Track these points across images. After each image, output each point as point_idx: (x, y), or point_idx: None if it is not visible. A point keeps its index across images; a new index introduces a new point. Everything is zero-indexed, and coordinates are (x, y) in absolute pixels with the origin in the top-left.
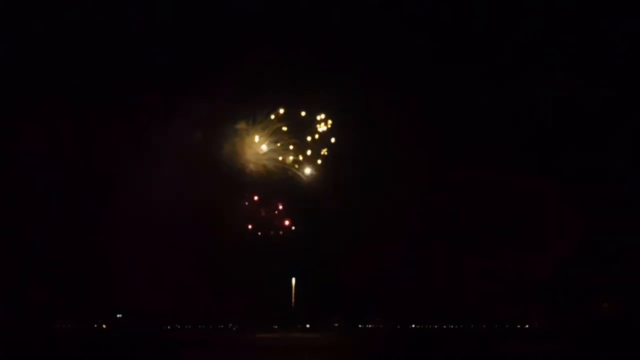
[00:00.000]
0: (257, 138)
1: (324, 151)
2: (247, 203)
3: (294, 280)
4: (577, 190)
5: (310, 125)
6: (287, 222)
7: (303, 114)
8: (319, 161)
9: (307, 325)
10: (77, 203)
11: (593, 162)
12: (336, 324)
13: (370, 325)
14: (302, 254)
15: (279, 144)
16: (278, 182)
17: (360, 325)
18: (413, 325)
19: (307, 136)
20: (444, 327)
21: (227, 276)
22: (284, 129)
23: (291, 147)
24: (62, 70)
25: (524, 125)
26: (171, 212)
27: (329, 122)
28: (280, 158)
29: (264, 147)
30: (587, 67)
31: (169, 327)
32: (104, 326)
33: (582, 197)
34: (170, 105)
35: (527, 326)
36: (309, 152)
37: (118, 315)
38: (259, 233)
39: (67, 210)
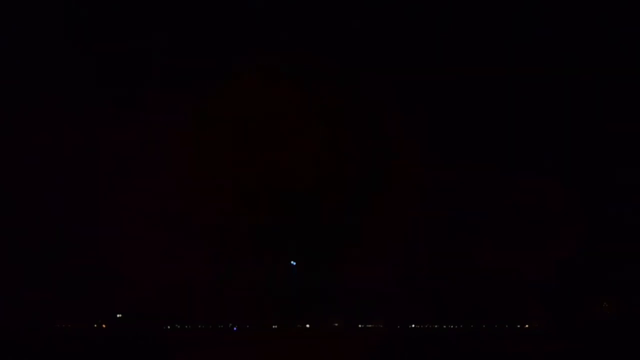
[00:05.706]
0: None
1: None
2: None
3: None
4: (577, 190)
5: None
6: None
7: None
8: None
9: (307, 325)
10: (77, 203)
11: (594, 162)
12: (336, 324)
13: (370, 325)
14: (302, 253)
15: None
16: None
17: (360, 325)
18: (413, 325)
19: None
20: (444, 327)
21: (227, 276)
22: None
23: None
24: (62, 70)
25: (525, 125)
26: (171, 212)
27: None
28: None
29: None
30: (588, 65)
31: (168, 327)
32: (104, 326)
33: (583, 197)
34: (170, 105)
35: (527, 326)
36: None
37: (118, 315)
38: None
39: (67, 210)
